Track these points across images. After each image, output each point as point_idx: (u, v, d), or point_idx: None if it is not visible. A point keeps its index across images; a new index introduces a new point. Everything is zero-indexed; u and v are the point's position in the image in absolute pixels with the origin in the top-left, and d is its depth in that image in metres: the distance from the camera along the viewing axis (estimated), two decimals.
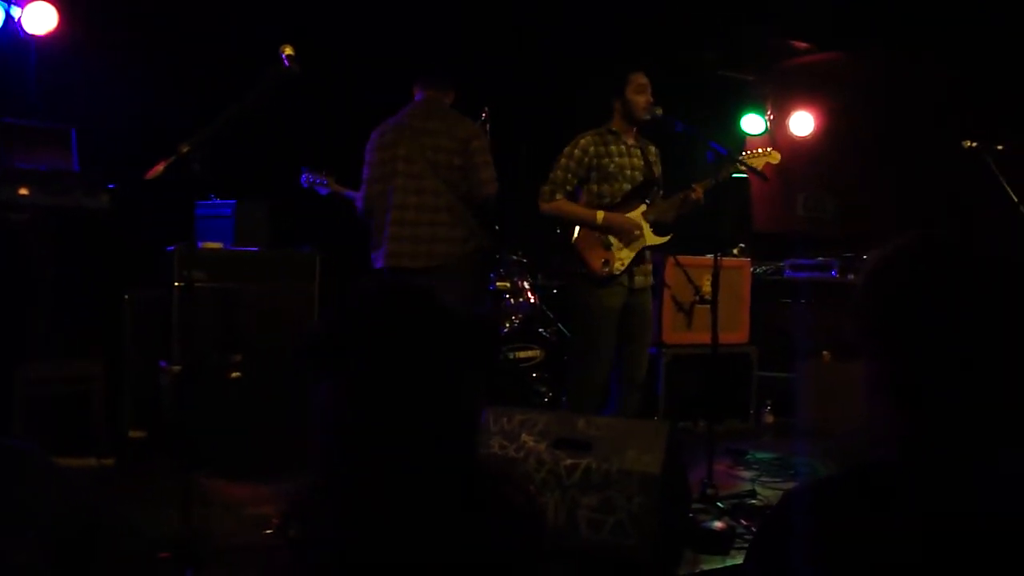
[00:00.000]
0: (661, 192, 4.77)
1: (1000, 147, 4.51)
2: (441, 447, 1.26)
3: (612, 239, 4.63)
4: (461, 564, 1.25)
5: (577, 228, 4.64)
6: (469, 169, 4.61)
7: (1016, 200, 4.41)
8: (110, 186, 4.86)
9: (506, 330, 5.76)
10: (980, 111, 6.21)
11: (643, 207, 4.69)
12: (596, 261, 4.58)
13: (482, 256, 4.85)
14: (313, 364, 1.28)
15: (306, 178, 5.22)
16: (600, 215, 4.60)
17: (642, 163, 4.74)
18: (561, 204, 4.64)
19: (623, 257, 4.63)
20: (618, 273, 4.60)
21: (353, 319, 1.28)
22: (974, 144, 4.53)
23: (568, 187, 4.64)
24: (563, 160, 4.65)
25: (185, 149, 3.41)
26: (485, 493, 1.30)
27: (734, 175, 4.82)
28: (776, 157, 4.83)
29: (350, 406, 1.25)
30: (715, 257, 4.52)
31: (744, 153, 4.86)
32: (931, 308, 1.30)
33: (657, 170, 4.79)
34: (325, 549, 1.25)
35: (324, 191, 5.22)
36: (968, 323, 1.28)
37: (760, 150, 4.85)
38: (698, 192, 4.64)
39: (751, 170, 4.71)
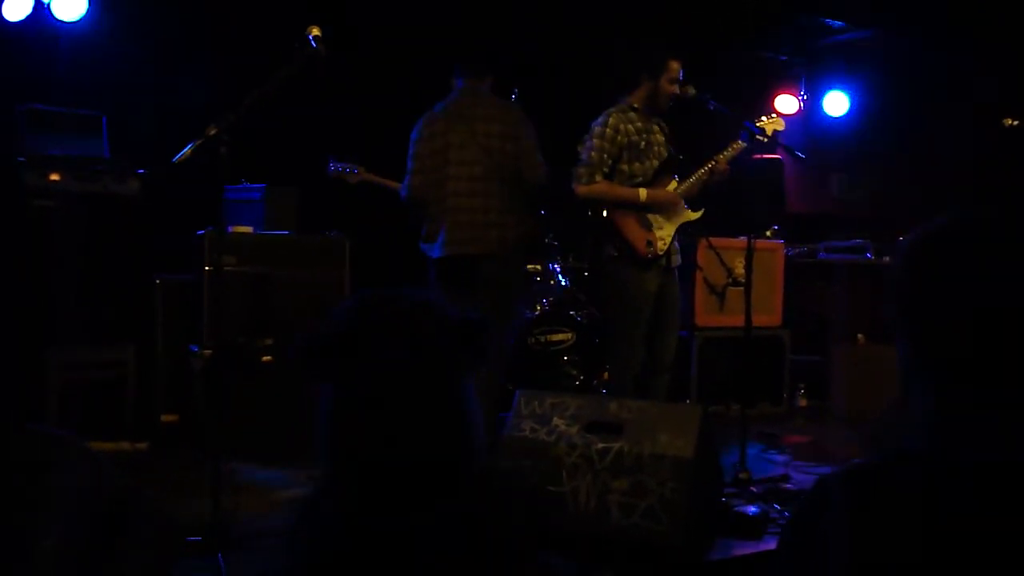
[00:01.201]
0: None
1: None
2: (436, 447, 1.28)
3: (653, 218, 4.58)
4: (456, 561, 1.26)
5: (617, 209, 4.58)
6: (521, 154, 4.57)
7: None
8: (140, 172, 4.88)
9: (537, 313, 5.73)
10: (1015, 91, 6.08)
11: (674, 183, 4.65)
12: (640, 242, 4.54)
13: (531, 241, 4.83)
14: (310, 367, 1.31)
15: (334, 167, 5.21)
16: (644, 193, 4.56)
17: (663, 138, 4.69)
18: (601, 186, 4.58)
19: (664, 236, 4.60)
20: (661, 253, 4.56)
21: (344, 329, 1.30)
22: (1015, 122, 4.43)
23: (605, 168, 4.57)
24: (596, 141, 4.57)
25: (212, 132, 3.40)
26: (483, 492, 1.32)
27: (753, 152, 4.73)
28: (780, 124, 4.79)
29: (346, 409, 1.28)
30: (748, 239, 4.46)
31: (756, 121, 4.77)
32: (970, 289, 1.25)
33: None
34: (327, 547, 1.27)
35: (353, 180, 5.20)
36: (1009, 306, 1.23)
37: (766, 117, 4.78)
38: (722, 163, 4.59)
39: (757, 131, 4.60)
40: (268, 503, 3.84)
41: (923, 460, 1.28)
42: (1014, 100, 5.47)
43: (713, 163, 4.61)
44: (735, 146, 4.62)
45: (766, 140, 4.57)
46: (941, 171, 6.97)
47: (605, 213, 4.60)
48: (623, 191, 4.58)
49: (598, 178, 4.56)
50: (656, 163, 4.64)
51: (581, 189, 4.59)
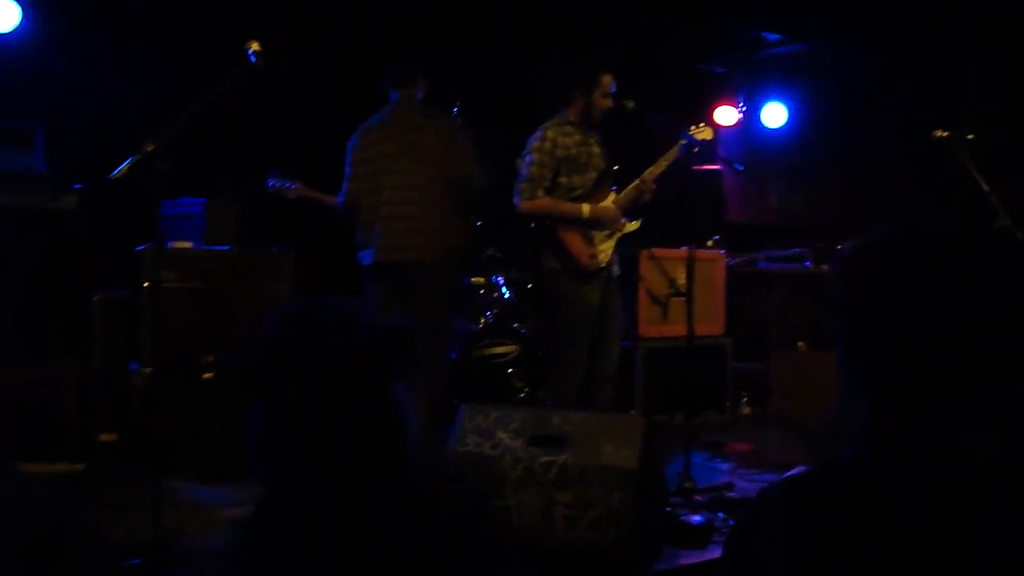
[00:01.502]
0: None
1: (971, 136, 4.52)
2: (368, 458, 1.29)
3: (594, 232, 4.62)
4: (397, 568, 1.26)
5: (559, 223, 4.59)
6: (457, 161, 4.57)
7: (986, 189, 4.41)
8: (77, 187, 4.80)
9: (481, 326, 5.73)
10: (947, 102, 6.24)
11: (612, 195, 4.70)
12: (582, 255, 4.57)
13: (467, 251, 4.82)
14: (240, 383, 1.30)
15: (272, 183, 5.17)
16: (587, 208, 4.59)
17: (600, 150, 4.74)
18: (543, 202, 4.59)
19: (605, 248, 4.64)
20: (603, 266, 4.61)
21: (271, 343, 1.30)
22: (945, 133, 4.53)
23: (546, 183, 4.59)
24: (536, 155, 4.59)
25: (150, 148, 3.37)
26: (424, 499, 1.32)
27: (689, 162, 4.79)
28: (709, 132, 4.85)
29: (276, 422, 1.28)
30: (689, 249, 4.52)
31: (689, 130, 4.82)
32: (905, 298, 1.29)
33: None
34: (270, 565, 1.27)
35: (292, 196, 5.17)
36: (947, 316, 1.26)
37: (695, 126, 4.83)
38: (648, 179, 4.66)
39: (695, 144, 4.66)
40: (211, 521, 3.79)
41: (860, 467, 1.31)
42: (945, 112, 5.60)
43: (641, 179, 4.67)
44: (661, 161, 4.69)
45: (698, 149, 4.63)
46: (876, 181, 7.11)
47: (548, 226, 4.62)
48: (566, 206, 4.60)
49: (540, 193, 4.58)
50: (594, 175, 4.68)
51: (524, 205, 4.60)
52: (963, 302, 1.27)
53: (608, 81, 4.65)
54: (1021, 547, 1.22)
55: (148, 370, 4.58)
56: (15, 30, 5.30)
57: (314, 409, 1.27)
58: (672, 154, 4.69)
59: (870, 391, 1.33)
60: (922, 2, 5.94)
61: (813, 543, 1.25)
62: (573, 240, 4.58)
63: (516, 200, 4.62)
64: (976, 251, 1.31)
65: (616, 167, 4.77)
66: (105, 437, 4.75)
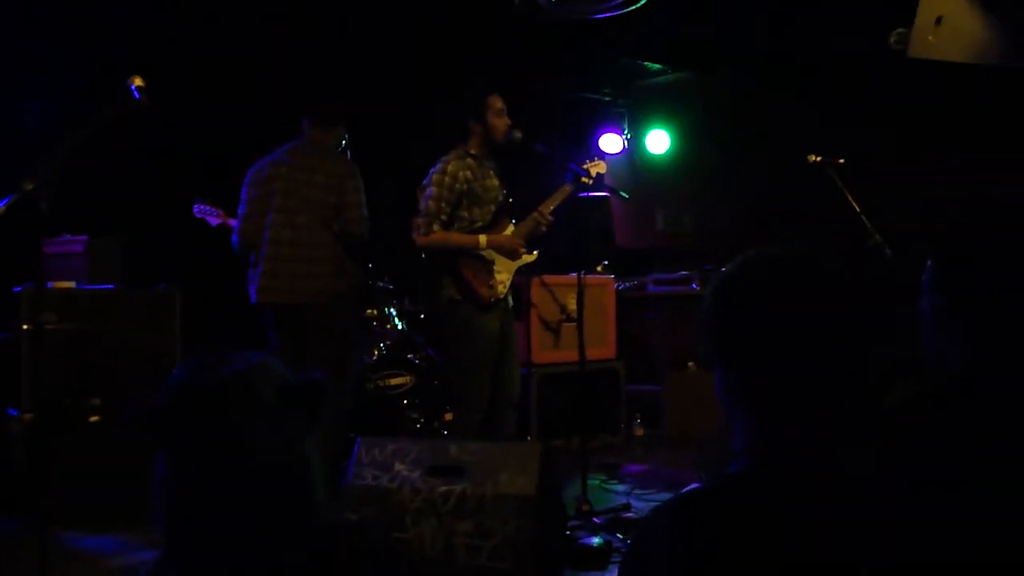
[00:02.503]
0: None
1: (841, 161, 4.73)
2: (277, 509, 1.31)
3: (495, 263, 4.66)
4: None
5: (459, 254, 4.62)
6: (342, 207, 4.56)
7: (858, 210, 4.62)
8: None
9: (374, 358, 5.71)
10: (822, 128, 6.52)
11: (511, 226, 4.75)
12: (482, 286, 4.60)
13: (356, 291, 4.80)
14: (145, 436, 1.30)
15: (198, 208, 5.14)
16: (484, 239, 4.62)
17: (498, 182, 4.79)
18: (439, 235, 4.60)
19: (504, 279, 4.68)
20: (503, 295, 4.65)
21: (181, 393, 1.31)
22: (818, 158, 4.73)
23: (443, 216, 4.60)
24: (435, 189, 4.60)
25: (29, 187, 3.27)
26: (330, 547, 1.34)
27: (578, 192, 4.89)
28: (603, 167, 4.97)
29: (183, 475, 1.29)
30: (579, 276, 4.61)
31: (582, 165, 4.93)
32: (767, 321, 1.38)
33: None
34: None
35: (214, 221, 5.18)
36: (801, 334, 1.36)
37: (590, 161, 4.95)
38: (545, 212, 4.74)
39: (582, 173, 4.77)
40: (102, 572, 3.68)
41: (743, 481, 1.37)
42: (818, 137, 5.84)
43: (538, 211, 4.75)
44: (557, 195, 4.78)
45: (591, 182, 4.74)
46: (757, 204, 7.36)
47: (447, 258, 4.64)
48: (462, 238, 4.63)
49: (436, 227, 4.59)
50: (493, 208, 4.73)
51: (420, 239, 4.61)
52: (816, 322, 1.36)
53: (497, 102, 4.70)
54: (901, 551, 1.31)
55: (29, 416, 4.41)
56: None
57: (220, 463, 1.28)
58: (567, 188, 4.78)
59: (747, 411, 1.40)
60: (794, 34, 6.18)
61: (705, 558, 1.31)
62: (472, 271, 4.61)
63: (414, 234, 4.62)
64: (828, 272, 1.41)
65: (511, 200, 4.82)
66: None
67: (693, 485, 1.45)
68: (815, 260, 1.43)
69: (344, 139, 5.34)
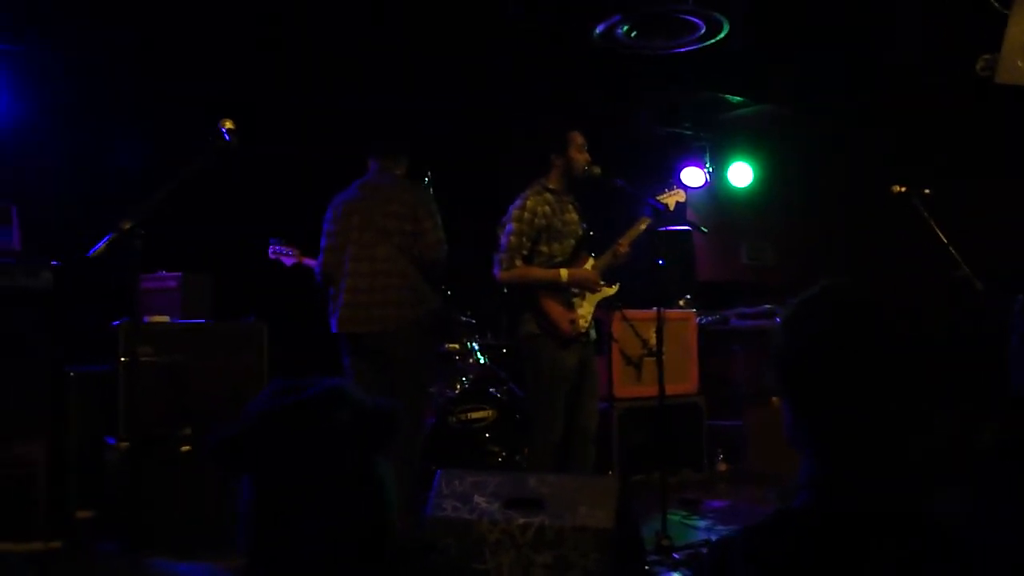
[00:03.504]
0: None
1: (927, 191, 4.65)
2: (353, 531, 1.35)
3: (575, 298, 4.68)
4: None
5: (540, 289, 4.65)
6: (418, 234, 4.66)
7: (945, 241, 4.54)
8: (53, 264, 4.83)
9: (457, 391, 5.77)
10: (905, 158, 6.42)
11: (591, 260, 4.77)
12: (563, 321, 4.63)
13: (433, 319, 4.88)
14: (225, 463, 1.36)
15: (273, 250, 5.29)
16: (565, 273, 4.65)
17: (577, 216, 4.83)
18: (520, 271, 4.65)
19: (585, 314, 4.70)
20: (583, 331, 4.67)
21: (259, 421, 1.36)
22: (903, 189, 4.66)
23: (524, 251, 4.65)
24: (515, 225, 4.65)
25: (127, 226, 3.43)
26: (405, 568, 1.37)
27: (658, 225, 4.89)
28: (682, 195, 4.96)
29: (265, 500, 1.34)
30: (658, 310, 4.60)
31: (657, 197, 4.93)
32: (834, 358, 1.37)
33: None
34: None
35: (289, 262, 5.33)
36: (868, 372, 1.35)
37: (668, 190, 4.95)
38: (623, 246, 4.75)
39: (659, 207, 4.77)
40: None
41: (806, 520, 1.37)
42: (903, 168, 5.75)
43: (617, 245, 4.76)
44: (637, 227, 4.79)
45: (671, 212, 4.75)
46: (841, 236, 7.26)
47: (528, 293, 4.68)
48: (543, 273, 4.67)
49: (517, 262, 4.64)
50: (573, 242, 4.76)
51: (502, 275, 4.66)
52: (883, 360, 1.35)
53: (579, 137, 4.76)
54: None
55: (125, 444, 4.58)
56: None
57: (300, 486, 1.33)
58: (645, 221, 4.79)
59: (813, 445, 1.40)
60: (878, 63, 6.12)
61: None
62: (553, 306, 4.64)
63: (496, 270, 4.68)
64: (899, 310, 1.40)
65: (592, 233, 4.86)
66: (82, 514, 4.72)
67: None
68: (886, 297, 1.42)
69: (427, 176, 5.46)
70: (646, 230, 4.80)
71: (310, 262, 5.05)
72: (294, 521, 1.33)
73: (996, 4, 3.90)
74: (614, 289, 4.85)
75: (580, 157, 4.73)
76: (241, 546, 1.37)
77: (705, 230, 4.96)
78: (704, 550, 4.34)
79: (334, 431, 1.34)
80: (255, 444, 1.36)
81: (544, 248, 4.69)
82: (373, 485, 1.36)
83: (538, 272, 4.66)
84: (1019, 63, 3.99)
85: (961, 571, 1.28)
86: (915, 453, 1.36)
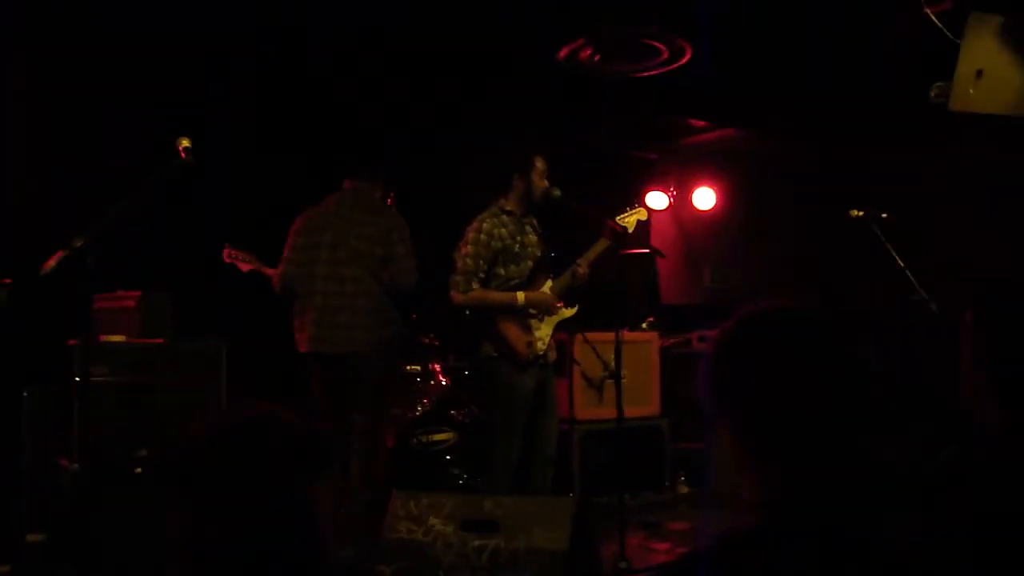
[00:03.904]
0: None
1: (884, 215, 4.69)
2: (286, 554, 1.36)
3: (532, 320, 4.68)
4: None
5: (497, 312, 4.64)
6: (391, 259, 4.68)
7: (902, 265, 4.58)
8: (5, 281, 4.76)
9: (418, 413, 5.74)
10: (860, 182, 6.50)
11: (549, 282, 4.77)
12: (520, 344, 4.62)
13: (399, 342, 4.89)
14: (165, 485, 1.37)
15: (228, 253, 5.23)
16: (521, 296, 4.65)
17: (536, 238, 4.83)
18: (477, 294, 4.64)
19: (543, 336, 4.70)
20: (541, 353, 4.66)
21: (194, 447, 1.38)
22: (860, 213, 4.70)
23: (480, 274, 4.65)
24: (471, 248, 4.65)
25: (79, 243, 3.40)
26: None
27: (619, 246, 4.89)
28: (643, 213, 4.99)
29: (196, 525, 1.36)
30: (616, 332, 4.61)
31: (617, 217, 4.95)
32: (762, 376, 1.38)
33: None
34: None
35: (245, 268, 5.25)
36: (798, 391, 1.35)
37: (629, 209, 4.97)
38: (582, 267, 4.76)
39: (618, 228, 4.77)
40: None
41: (747, 539, 1.37)
42: (866, 192, 5.81)
43: (576, 266, 4.77)
44: (595, 248, 4.80)
45: (630, 232, 4.77)
46: (802, 259, 7.31)
47: (485, 315, 4.67)
48: (500, 296, 4.66)
49: (475, 285, 4.64)
50: (531, 264, 4.76)
51: (458, 298, 4.65)
52: (815, 378, 1.36)
53: (541, 162, 4.78)
54: None
55: (77, 466, 4.50)
56: None
57: (230, 510, 1.33)
58: (603, 242, 4.80)
59: (752, 465, 1.40)
60: (837, 88, 6.19)
61: None
62: (510, 328, 4.64)
63: (452, 291, 4.67)
64: (830, 329, 1.40)
65: (552, 255, 4.87)
66: (32, 537, 4.64)
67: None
68: (818, 312, 1.43)
69: (389, 197, 5.45)
70: (606, 251, 4.81)
71: (269, 271, 5.00)
72: (224, 543, 1.33)
73: (948, 33, 3.97)
74: (573, 311, 4.86)
75: (540, 182, 4.75)
76: (170, 570, 1.37)
77: (663, 254, 4.97)
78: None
79: (264, 456, 1.35)
80: (190, 465, 1.37)
81: (501, 270, 4.69)
82: (305, 509, 1.36)
83: (495, 295, 4.65)
84: (971, 91, 4.06)
85: None
86: (856, 475, 1.36)
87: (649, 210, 8.18)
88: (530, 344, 4.64)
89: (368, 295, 4.65)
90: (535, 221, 4.87)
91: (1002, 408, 1.87)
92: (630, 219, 4.93)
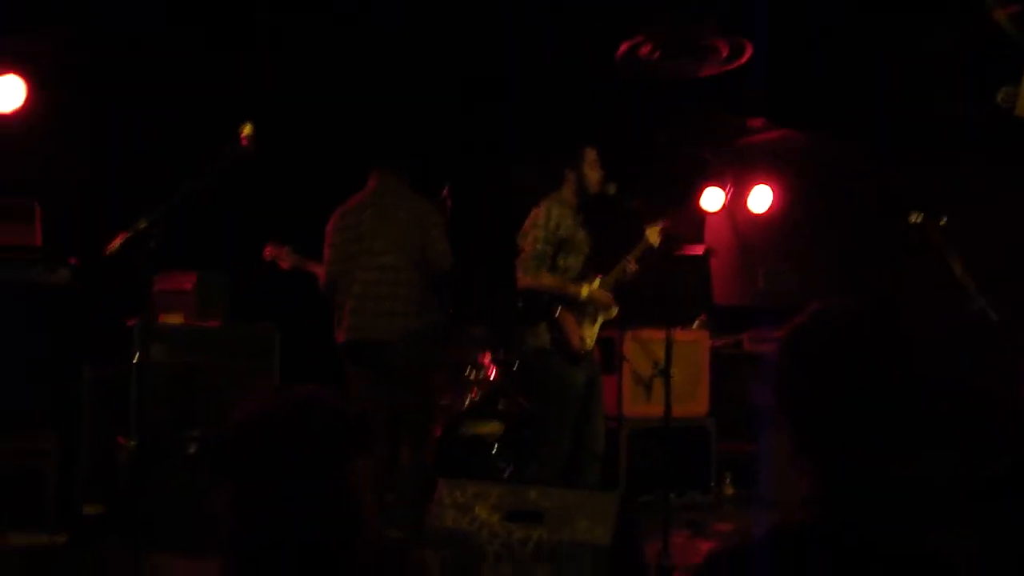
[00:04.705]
0: None
1: (943, 221, 4.62)
2: (324, 535, 1.40)
3: (587, 316, 4.68)
4: None
5: (560, 306, 4.64)
6: (427, 242, 4.66)
7: (960, 272, 4.51)
8: (71, 261, 4.89)
9: (467, 405, 5.78)
10: (927, 188, 6.39)
11: (598, 280, 4.77)
12: (574, 337, 4.63)
13: (437, 331, 4.87)
14: (212, 465, 1.44)
15: (269, 251, 5.29)
16: (586, 290, 4.65)
17: (585, 233, 4.82)
18: (547, 279, 4.64)
19: (591, 333, 4.70)
20: (590, 349, 4.67)
21: (238, 428, 1.42)
22: (919, 218, 4.64)
23: (548, 260, 4.64)
24: (540, 232, 4.63)
25: (143, 226, 3.48)
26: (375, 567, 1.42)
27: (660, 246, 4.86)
28: (663, 223, 4.88)
29: (241, 502, 1.40)
30: (668, 330, 4.60)
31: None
32: (825, 376, 1.38)
33: None
34: None
35: (286, 264, 5.29)
36: (853, 391, 1.35)
37: (655, 223, 4.88)
38: (631, 263, 4.75)
39: (671, 230, 4.77)
40: None
41: (799, 533, 1.38)
42: (923, 197, 5.74)
43: (625, 261, 4.77)
44: (643, 243, 4.78)
45: (660, 243, 4.75)
46: (858, 263, 7.22)
47: (545, 305, 4.67)
48: (568, 286, 4.66)
49: (543, 270, 4.64)
50: (583, 259, 4.77)
51: (526, 280, 4.63)
52: (875, 380, 1.36)
53: (592, 153, 4.76)
54: None
55: (134, 443, 4.61)
56: (17, 108, 5.44)
57: (275, 489, 1.38)
58: (642, 245, 4.79)
59: (808, 465, 1.41)
60: (899, 92, 6.11)
61: None
62: (568, 320, 4.64)
63: (519, 275, 4.65)
64: (894, 328, 1.40)
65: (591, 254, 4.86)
66: (90, 509, 4.77)
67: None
68: (884, 314, 1.43)
69: (444, 192, 5.46)
70: (651, 249, 4.79)
71: (313, 267, 5.04)
72: (268, 523, 1.38)
73: (1015, 34, 3.90)
74: (615, 311, 4.85)
75: (593, 174, 4.74)
76: (222, 548, 1.42)
77: (716, 254, 4.96)
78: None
79: (308, 437, 1.39)
80: (234, 448, 1.42)
81: (561, 261, 4.69)
82: (346, 488, 1.41)
83: (561, 284, 4.65)
84: None
85: None
86: (912, 482, 1.36)
87: (702, 212, 8.19)
88: (582, 339, 4.65)
89: (406, 283, 4.63)
90: (583, 220, 4.86)
91: None
92: (652, 234, 4.85)
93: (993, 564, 1.61)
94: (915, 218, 4.65)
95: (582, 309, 4.68)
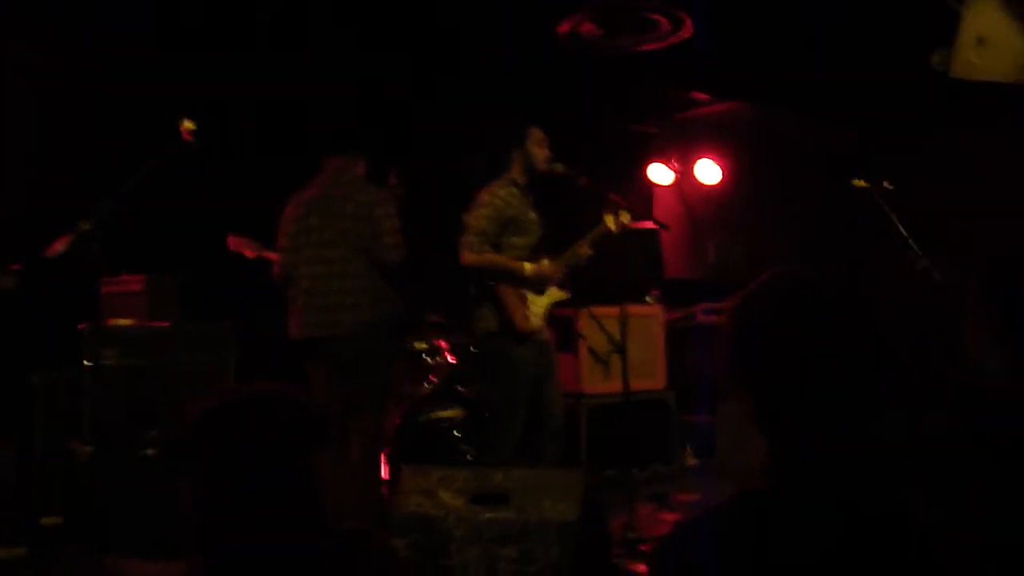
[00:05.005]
0: None
1: (888, 185, 4.69)
2: (293, 529, 1.42)
3: (529, 293, 4.68)
4: None
5: (500, 282, 4.65)
6: (377, 234, 4.58)
7: (906, 235, 4.58)
8: (14, 267, 4.79)
9: (426, 391, 5.77)
10: (871, 153, 6.49)
11: (546, 260, 4.78)
12: (518, 316, 4.63)
13: (394, 320, 4.81)
14: (173, 463, 1.45)
15: (233, 241, 5.22)
16: (528, 267, 4.65)
17: (535, 215, 4.83)
18: (490, 256, 4.63)
19: (537, 312, 4.70)
20: (536, 328, 4.67)
21: (199, 426, 1.43)
22: (863, 183, 4.70)
23: (493, 239, 4.64)
24: (486, 210, 4.64)
25: (85, 227, 3.43)
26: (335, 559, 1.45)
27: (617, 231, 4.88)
28: (626, 218, 4.87)
29: (207, 501, 1.42)
30: (622, 306, 4.63)
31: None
32: (773, 344, 1.40)
33: None
34: None
35: (251, 254, 5.22)
36: (809, 357, 1.37)
37: (617, 211, 4.87)
38: (584, 247, 4.76)
39: (623, 204, 4.78)
40: None
41: (761, 499, 1.40)
42: (867, 162, 5.82)
43: (577, 246, 4.78)
44: (599, 229, 4.79)
45: (617, 231, 4.76)
46: (808, 231, 7.31)
47: (488, 285, 4.67)
48: (510, 263, 4.66)
49: (487, 248, 4.63)
50: (532, 240, 4.77)
51: (469, 257, 4.62)
52: (824, 344, 1.38)
53: (537, 132, 4.75)
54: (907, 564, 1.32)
55: (89, 448, 4.54)
56: None
57: (240, 482, 1.40)
58: (598, 231, 4.81)
59: (766, 431, 1.42)
60: (839, 58, 6.18)
61: (724, 571, 1.34)
62: (511, 299, 4.65)
63: (463, 252, 4.64)
64: (846, 291, 1.42)
65: (543, 233, 4.86)
66: (48, 520, 4.69)
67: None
68: (833, 285, 1.44)
69: (395, 173, 5.40)
70: (607, 235, 4.80)
71: (272, 255, 4.97)
72: (235, 517, 1.38)
73: (950, 0, 3.96)
74: (567, 294, 4.86)
75: (539, 151, 4.73)
76: (189, 545, 1.42)
77: (667, 227, 4.98)
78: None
79: (273, 430, 1.40)
80: (198, 443, 1.42)
81: (506, 240, 4.68)
82: (309, 481, 1.41)
83: (503, 260, 4.65)
84: (972, 58, 4.05)
85: (915, 558, 1.31)
86: (870, 443, 1.39)
87: (653, 185, 8.24)
88: (525, 317, 4.64)
89: (355, 275, 4.54)
90: (532, 201, 4.85)
91: (1002, 358, 1.89)
92: (612, 224, 4.86)
93: (960, 524, 1.64)
94: (859, 183, 4.71)
95: (527, 286, 4.67)
